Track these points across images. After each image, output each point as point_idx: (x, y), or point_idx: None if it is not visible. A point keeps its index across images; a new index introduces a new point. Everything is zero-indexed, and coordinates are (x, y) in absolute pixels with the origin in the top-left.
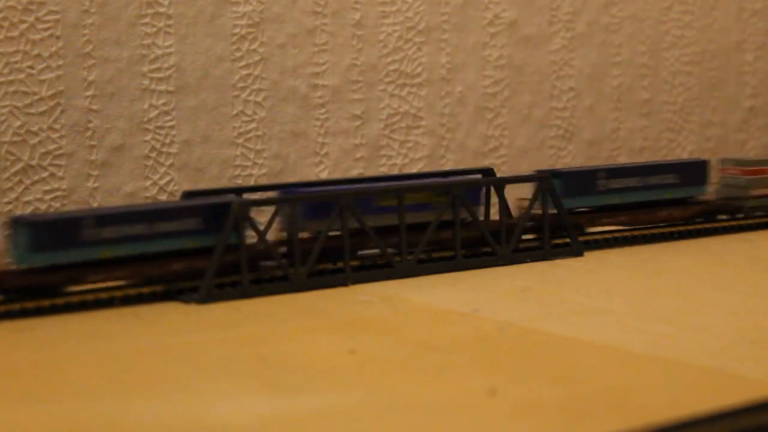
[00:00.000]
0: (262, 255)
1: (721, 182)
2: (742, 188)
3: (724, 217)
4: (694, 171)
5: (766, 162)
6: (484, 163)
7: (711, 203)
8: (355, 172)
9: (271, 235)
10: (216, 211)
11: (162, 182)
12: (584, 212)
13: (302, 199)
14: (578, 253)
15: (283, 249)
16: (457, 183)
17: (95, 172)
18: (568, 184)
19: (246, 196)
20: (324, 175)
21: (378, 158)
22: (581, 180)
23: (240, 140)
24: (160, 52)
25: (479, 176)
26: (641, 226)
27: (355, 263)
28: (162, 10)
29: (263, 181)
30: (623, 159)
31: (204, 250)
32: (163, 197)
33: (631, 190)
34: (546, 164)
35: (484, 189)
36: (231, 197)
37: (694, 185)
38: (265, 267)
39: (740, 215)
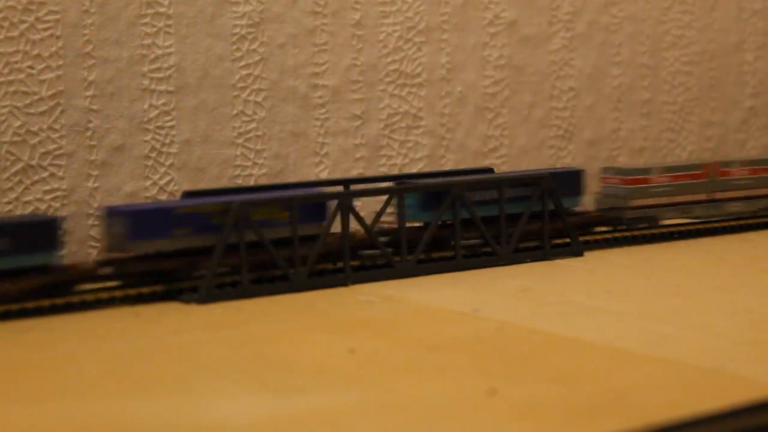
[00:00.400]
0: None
1: (602, 192)
2: (622, 198)
3: (604, 229)
4: (567, 181)
5: (647, 171)
6: (484, 163)
7: (586, 215)
8: (355, 172)
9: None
10: (29, 231)
11: (162, 182)
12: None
13: (303, 199)
14: (578, 253)
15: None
16: (297, 197)
17: (95, 172)
18: (425, 198)
19: (246, 196)
20: (324, 175)
21: (378, 158)
22: (437, 194)
23: (240, 140)
24: (160, 52)
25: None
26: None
27: (355, 263)
28: (162, 10)
29: (263, 181)
30: (623, 159)
31: (14, 273)
32: (163, 197)
33: (487, 203)
34: (546, 164)
35: (329, 203)
36: (46, 217)
37: (567, 196)
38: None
39: (622, 227)
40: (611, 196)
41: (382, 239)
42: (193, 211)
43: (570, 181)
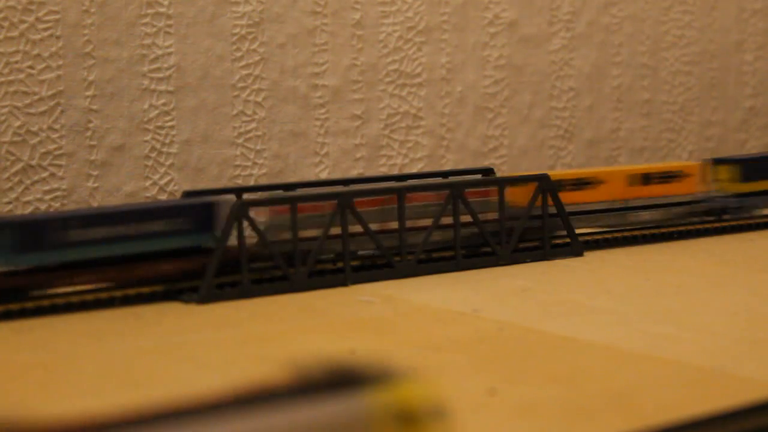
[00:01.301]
0: None
1: (269, 223)
2: (278, 230)
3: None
4: (203, 215)
5: (291, 200)
6: (484, 163)
7: (230, 252)
8: (355, 172)
9: None
10: None
11: (162, 182)
12: (44, 270)
13: (303, 199)
14: (578, 253)
15: None
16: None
17: (95, 172)
18: (16, 238)
19: (246, 196)
20: (324, 175)
21: (378, 158)
22: (33, 232)
23: (240, 140)
24: (160, 52)
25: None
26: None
27: (355, 263)
28: (162, 10)
29: (263, 181)
30: (624, 159)
31: None
32: (163, 197)
33: (113, 241)
34: (546, 164)
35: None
36: None
37: (202, 232)
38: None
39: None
40: (279, 226)
41: None
42: None
43: (206, 214)
